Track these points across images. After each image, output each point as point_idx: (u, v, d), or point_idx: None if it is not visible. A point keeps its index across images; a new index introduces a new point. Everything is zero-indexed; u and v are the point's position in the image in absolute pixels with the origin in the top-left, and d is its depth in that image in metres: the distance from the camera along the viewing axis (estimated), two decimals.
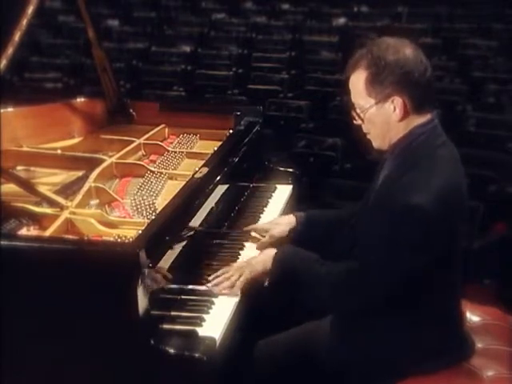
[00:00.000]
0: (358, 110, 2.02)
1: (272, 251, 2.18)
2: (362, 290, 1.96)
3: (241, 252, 2.39)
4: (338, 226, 2.40)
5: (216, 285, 2.12)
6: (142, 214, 2.35)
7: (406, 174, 1.91)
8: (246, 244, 2.44)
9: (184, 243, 2.18)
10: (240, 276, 2.13)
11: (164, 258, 2.02)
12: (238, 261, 2.31)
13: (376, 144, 2.05)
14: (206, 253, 2.36)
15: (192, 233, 2.26)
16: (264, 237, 2.44)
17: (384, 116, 1.98)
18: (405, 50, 1.95)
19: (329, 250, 2.41)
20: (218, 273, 2.16)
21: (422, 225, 1.84)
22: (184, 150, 2.97)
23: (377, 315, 2.00)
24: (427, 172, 1.89)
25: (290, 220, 2.44)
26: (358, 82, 1.99)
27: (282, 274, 2.11)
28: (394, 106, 1.95)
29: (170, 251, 2.07)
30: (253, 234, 2.48)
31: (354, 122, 2.05)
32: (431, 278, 1.93)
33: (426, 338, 2.00)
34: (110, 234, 2.17)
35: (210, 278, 2.15)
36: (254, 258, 2.22)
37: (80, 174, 2.63)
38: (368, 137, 2.06)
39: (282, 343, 2.23)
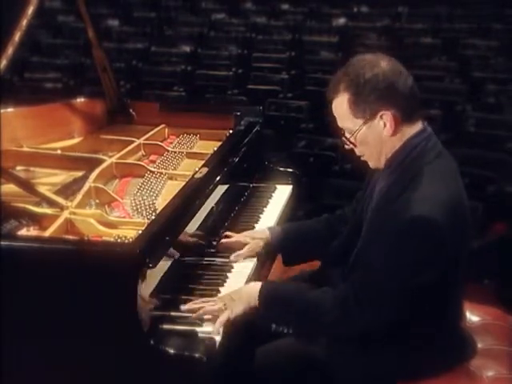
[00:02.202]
0: (348, 134, 1.97)
1: (256, 286, 2.04)
2: (372, 302, 1.89)
3: (228, 274, 2.23)
4: (314, 239, 2.38)
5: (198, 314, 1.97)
6: (142, 215, 2.35)
7: (407, 188, 1.88)
8: (234, 265, 2.29)
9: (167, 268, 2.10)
10: (222, 309, 1.97)
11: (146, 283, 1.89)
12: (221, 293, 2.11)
13: (372, 164, 2.02)
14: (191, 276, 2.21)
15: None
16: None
17: (375, 134, 1.94)
18: (381, 64, 1.92)
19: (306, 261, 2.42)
20: (198, 305, 2.00)
21: (432, 237, 1.82)
22: (184, 150, 2.97)
23: None
24: (429, 185, 1.86)
25: (265, 234, 2.40)
26: (341, 105, 1.95)
27: (270, 308, 2.01)
28: (384, 121, 1.91)
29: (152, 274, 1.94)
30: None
31: (346, 147, 2.00)
32: (436, 285, 1.90)
33: (427, 341, 1.98)
34: (110, 234, 2.17)
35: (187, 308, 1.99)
36: (236, 293, 2.05)
37: (80, 174, 2.63)
38: (363, 158, 2.02)
39: (283, 350, 2.16)
